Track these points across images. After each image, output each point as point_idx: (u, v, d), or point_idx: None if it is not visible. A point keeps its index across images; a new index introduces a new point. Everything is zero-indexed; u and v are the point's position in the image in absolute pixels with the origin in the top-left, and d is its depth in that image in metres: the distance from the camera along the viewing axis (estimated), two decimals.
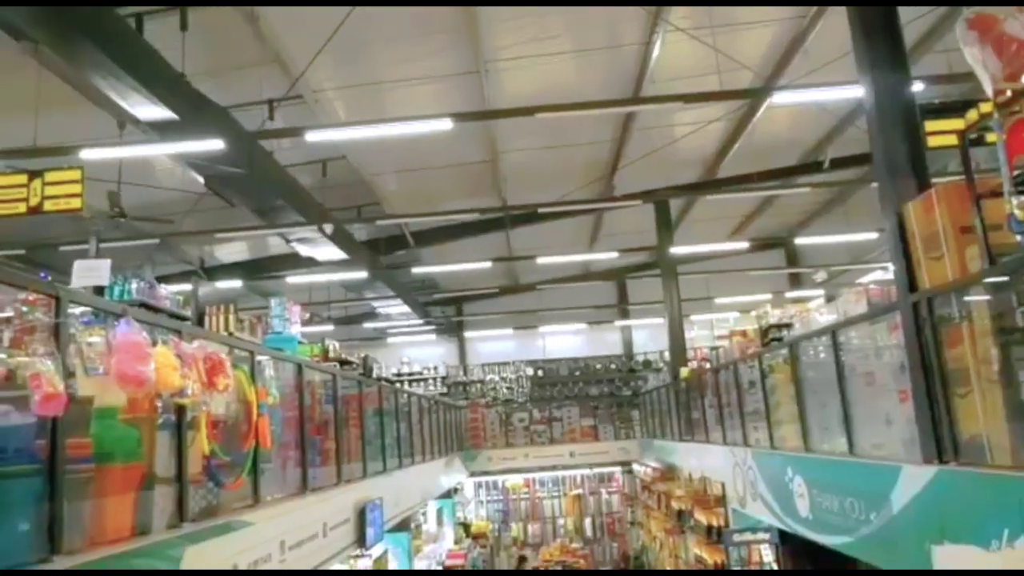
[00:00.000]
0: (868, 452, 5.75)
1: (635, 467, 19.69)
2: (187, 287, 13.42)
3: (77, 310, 3.15)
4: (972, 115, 4.34)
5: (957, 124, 5.40)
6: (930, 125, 6.24)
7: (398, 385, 16.34)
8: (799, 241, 19.66)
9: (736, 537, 9.79)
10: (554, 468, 20.21)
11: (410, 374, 23.37)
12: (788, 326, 9.38)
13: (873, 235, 16.00)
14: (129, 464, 3.37)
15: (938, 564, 4.53)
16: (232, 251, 17.15)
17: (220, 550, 4.04)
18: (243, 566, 4.31)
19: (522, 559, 18.61)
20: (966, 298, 4.42)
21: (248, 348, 4.91)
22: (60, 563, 2.74)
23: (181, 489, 3.75)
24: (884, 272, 17.15)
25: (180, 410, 3.77)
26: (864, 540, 5.55)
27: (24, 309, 2.78)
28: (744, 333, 11.30)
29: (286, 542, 5.04)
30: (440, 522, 16.07)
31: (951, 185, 4.50)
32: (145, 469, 3.49)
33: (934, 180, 5.21)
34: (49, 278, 4.45)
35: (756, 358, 8.74)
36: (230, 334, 7.31)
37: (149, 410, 3.58)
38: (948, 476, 4.38)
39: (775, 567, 9.85)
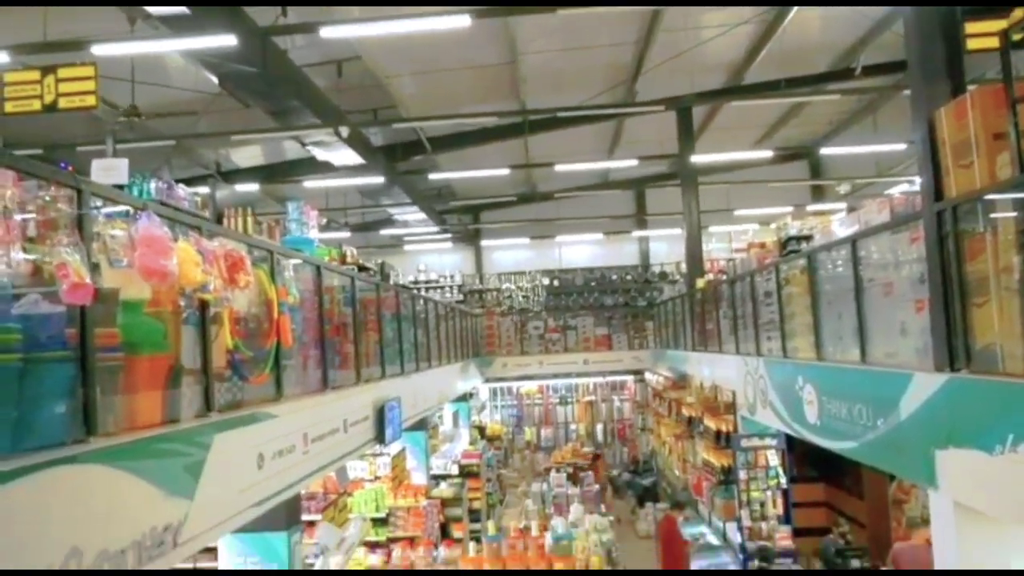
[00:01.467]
0: (881, 361, 5.80)
1: (647, 376, 20.07)
2: (205, 190, 13.50)
3: (98, 203, 3.17)
4: (1018, 12, 4.13)
5: (999, 25, 5.14)
6: (970, 27, 5.94)
7: (415, 291, 16.52)
8: (824, 152, 19.18)
9: (744, 442, 10.07)
10: (568, 375, 20.65)
11: (426, 282, 23.60)
12: (808, 238, 9.31)
13: (901, 146, 15.58)
14: (156, 355, 3.48)
15: (940, 468, 4.65)
16: (248, 156, 17.04)
17: (247, 439, 4.22)
18: (268, 455, 4.51)
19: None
20: (992, 206, 4.35)
21: (267, 247, 4.96)
22: (96, 443, 2.88)
23: (207, 381, 3.88)
24: (910, 186, 16.82)
25: (203, 305, 3.85)
26: (870, 445, 5.68)
27: (46, 199, 2.80)
28: (763, 245, 11.23)
29: (309, 435, 5.25)
30: (456, 424, 16.62)
31: (986, 89, 4.34)
32: (172, 361, 3.61)
33: (969, 87, 5.02)
34: (70, 167, 4.46)
35: (773, 268, 8.72)
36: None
37: (173, 305, 3.66)
38: (959, 383, 4.44)
39: (780, 471, 10.17)
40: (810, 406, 7.09)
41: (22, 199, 2.78)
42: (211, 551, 5.29)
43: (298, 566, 5.32)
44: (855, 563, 9.01)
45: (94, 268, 2.88)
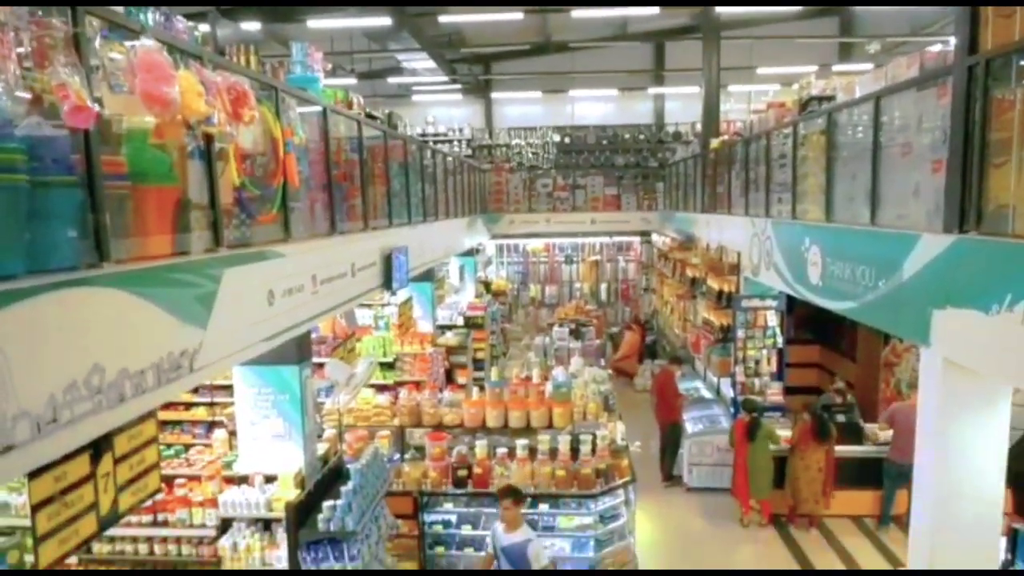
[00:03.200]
0: (890, 222, 5.77)
1: (654, 237, 20.10)
2: (205, 27, 12.91)
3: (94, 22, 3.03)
4: None
5: None
6: None
7: (423, 141, 16.21)
8: (857, 9, 18.06)
9: (745, 303, 10.25)
10: (574, 235, 20.69)
11: (435, 135, 23.12)
12: (830, 98, 8.96)
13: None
14: (163, 186, 3.47)
15: (936, 327, 4.75)
16: None
17: (256, 276, 4.31)
18: (278, 293, 4.62)
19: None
20: None
21: (270, 83, 4.81)
22: (109, 269, 2.94)
23: (215, 215, 3.89)
24: (944, 47, 15.95)
25: (208, 139, 3.79)
26: (869, 305, 5.78)
27: (40, 16, 2.68)
28: (782, 104, 10.84)
29: (317, 276, 5.35)
30: (462, 278, 16.88)
31: None
32: (179, 193, 3.60)
33: None
34: None
35: (791, 127, 8.48)
36: None
37: (178, 137, 3.60)
38: (965, 244, 4.43)
39: (778, 331, 10.41)
40: (814, 267, 7.14)
41: (16, 25, 2.65)
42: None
43: (309, 398, 5.60)
44: (840, 418, 9.42)
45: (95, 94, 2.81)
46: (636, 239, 21.30)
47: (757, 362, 10.36)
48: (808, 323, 13.84)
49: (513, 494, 6.06)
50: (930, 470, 5.24)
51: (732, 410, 10.43)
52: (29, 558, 3.91)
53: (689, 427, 10.65)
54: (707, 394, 12.12)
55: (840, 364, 12.91)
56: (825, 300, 6.91)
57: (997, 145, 4.27)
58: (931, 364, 5.10)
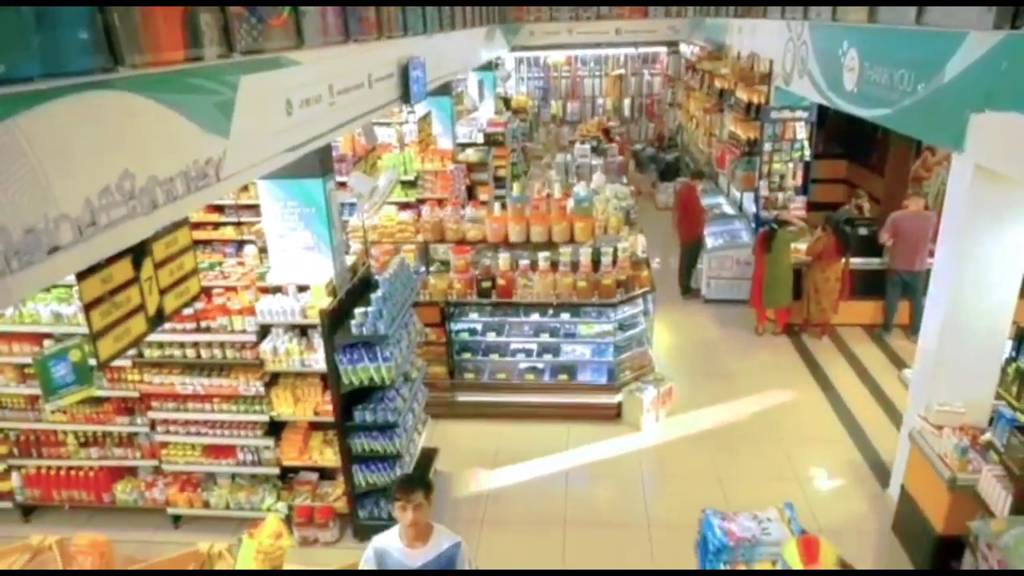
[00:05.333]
0: (937, 21, 5.41)
1: (682, 47, 19.11)
2: None
3: None
4: None
5: None
6: None
7: None
8: None
9: (774, 114, 9.93)
10: (598, 46, 19.68)
11: None
12: None
13: None
14: None
15: (972, 131, 4.59)
16: None
17: (273, 83, 4.22)
18: (296, 103, 4.54)
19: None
20: None
21: None
22: (124, 73, 2.89)
23: (224, 17, 3.75)
24: None
25: None
26: (904, 111, 5.57)
27: None
28: None
29: (334, 86, 5.22)
30: (481, 94, 16.37)
31: None
32: None
33: None
34: None
35: None
36: None
37: None
38: (1015, 41, 4.17)
39: (806, 144, 10.16)
40: (850, 73, 6.80)
41: None
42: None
43: (334, 211, 5.68)
44: (862, 231, 9.43)
45: None
46: (663, 50, 20.27)
47: (782, 176, 10.21)
48: (837, 137, 13.47)
49: (421, 484, 3.72)
50: (946, 277, 5.33)
51: (753, 225, 10.46)
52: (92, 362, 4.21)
53: (710, 242, 10.75)
54: (729, 210, 12.10)
55: (868, 179, 12.71)
56: (859, 108, 6.66)
57: None
58: (961, 171, 5.01)
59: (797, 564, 3.37)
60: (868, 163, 13.00)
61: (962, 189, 5.02)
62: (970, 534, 4.52)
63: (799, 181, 10.25)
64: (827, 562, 3.34)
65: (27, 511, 6.56)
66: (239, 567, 4.20)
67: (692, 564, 4.39)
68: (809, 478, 6.68)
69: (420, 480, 3.91)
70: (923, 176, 11.15)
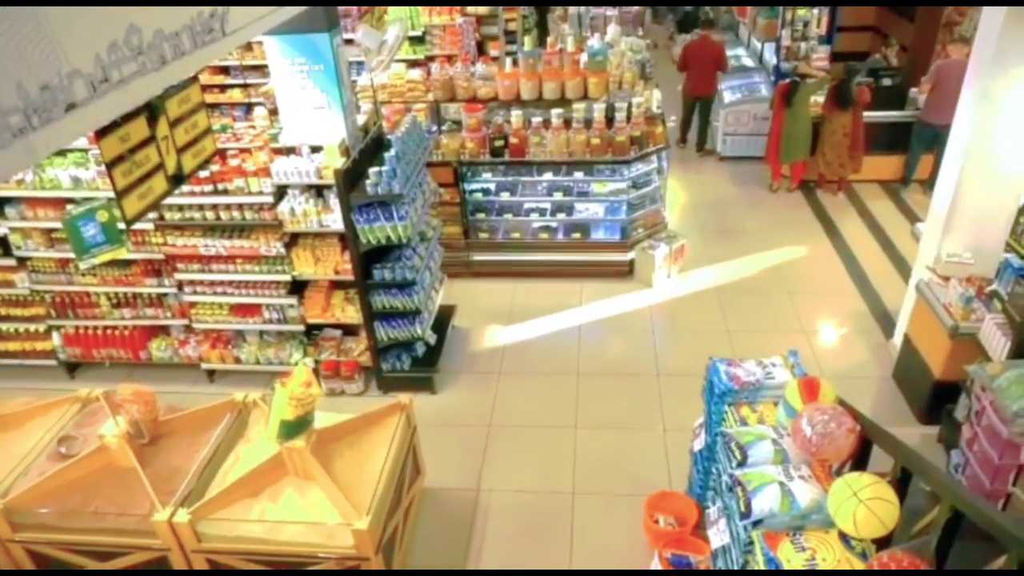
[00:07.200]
0: None
1: None
2: None
3: None
4: None
5: None
6: None
7: None
8: None
9: None
10: None
11: None
12: None
13: None
14: None
15: None
16: None
17: None
18: None
19: None
20: None
21: None
22: None
23: None
24: None
25: None
26: None
27: None
28: None
29: None
30: None
31: None
32: None
33: None
34: None
35: None
36: None
37: None
38: None
39: None
40: None
41: None
42: None
43: (343, 66, 5.56)
44: (887, 81, 9.11)
45: None
46: None
47: (806, 24, 9.75)
48: None
49: None
50: (968, 126, 5.23)
51: (772, 78, 10.12)
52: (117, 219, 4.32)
53: (727, 96, 10.45)
54: (748, 62, 11.66)
55: (897, 26, 12.09)
56: None
57: None
58: (995, 12, 4.77)
59: (798, 403, 3.58)
60: (898, 10, 12.33)
61: (994, 31, 4.82)
62: (967, 377, 4.72)
63: (823, 30, 9.80)
64: (826, 400, 3.54)
65: (71, 368, 6.96)
66: (273, 414, 4.49)
67: (699, 408, 4.65)
68: (815, 329, 6.89)
69: None
70: (956, 21, 10.59)
